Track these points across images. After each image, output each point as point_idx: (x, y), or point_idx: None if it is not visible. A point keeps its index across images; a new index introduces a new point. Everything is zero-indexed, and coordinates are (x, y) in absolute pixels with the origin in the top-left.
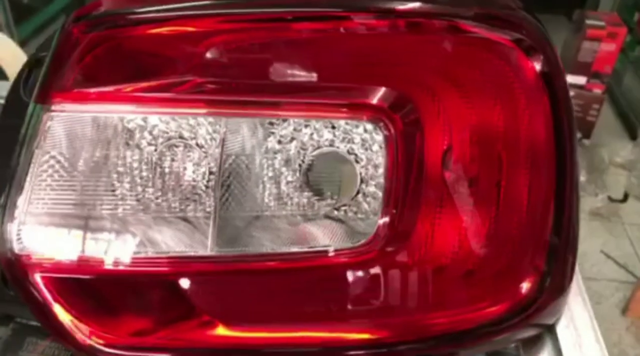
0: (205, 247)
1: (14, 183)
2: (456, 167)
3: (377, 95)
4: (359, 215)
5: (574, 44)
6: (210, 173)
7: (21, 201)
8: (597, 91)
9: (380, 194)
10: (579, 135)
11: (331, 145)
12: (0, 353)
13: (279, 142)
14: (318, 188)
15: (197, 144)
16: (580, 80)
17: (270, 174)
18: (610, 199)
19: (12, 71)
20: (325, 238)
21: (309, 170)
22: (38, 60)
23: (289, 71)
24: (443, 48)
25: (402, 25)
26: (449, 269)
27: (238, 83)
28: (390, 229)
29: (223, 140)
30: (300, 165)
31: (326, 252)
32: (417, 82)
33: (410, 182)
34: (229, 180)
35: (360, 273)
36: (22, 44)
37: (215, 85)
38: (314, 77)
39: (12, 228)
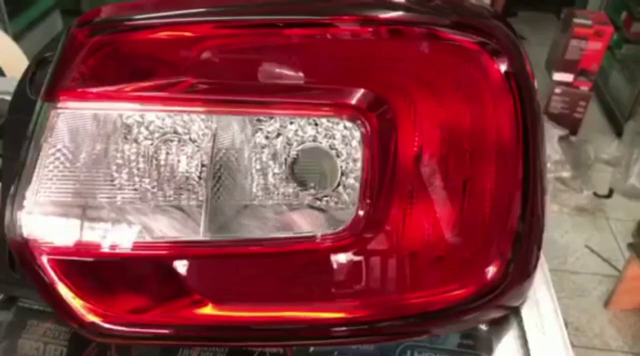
0: (198, 233)
1: (24, 175)
2: (428, 162)
3: (356, 96)
4: (339, 205)
5: (562, 42)
6: (203, 165)
7: (30, 191)
8: (584, 88)
9: (358, 186)
10: (565, 131)
11: (314, 141)
12: (4, 335)
13: (266, 137)
14: (302, 180)
15: (190, 139)
16: (568, 77)
17: (258, 167)
18: (596, 195)
19: (9, 67)
20: (307, 225)
21: (293, 163)
22: (43, 59)
23: (277, 73)
24: (419, 53)
25: (384, 32)
26: (421, 254)
27: (229, 83)
28: (366, 217)
29: (214, 136)
30: (285, 159)
31: (312, 237)
32: (394, 84)
33: (385, 175)
34: (220, 172)
35: (340, 257)
36: (16, 38)
37: (208, 86)
38: (300, 78)
39: (21, 216)
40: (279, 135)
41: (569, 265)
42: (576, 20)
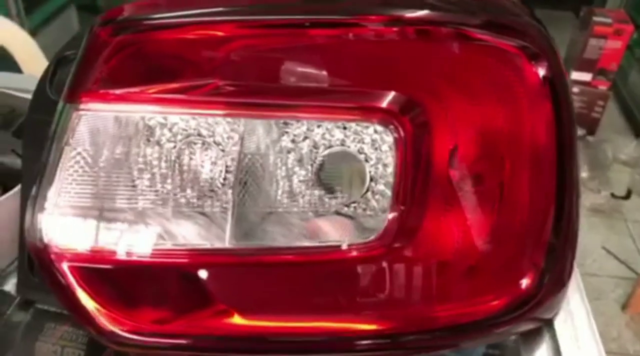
0: (223, 240)
1: (45, 177)
2: (461, 167)
3: (387, 99)
4: (368, 212)
5: (581, 41)
6: (227, 170)
7: (51, 194)
8: (603, 88)
9: (388, 192)
10: (583, 131)
11: (342, 145)
12: (21, 337)
13: (293, 141)
14: (329, 185)
15: (214, 142)
16: (586, 76)
17: (284, 172)
18: (613, 196)
19: (26, 64)
20: (335, 233)
21: (320, 168)
22: (63, 58)
23: (304, 75)
24: (450, 54)
25: (411, 33)
26: (452, 264)
27: (256, 86)
28: (398, 226)
29: (242, 139)
30: (312, 164)
31: (339, 246)
32: (425, 86)
33: (417, 181)
34: (245, 177)
35: (368, 268)
36: (32, 33)
37: (234, 88)
38: (327, 81)
39: (42, 219)
40: (305, 138)
41: (585, 267)
42: (595, 19)
